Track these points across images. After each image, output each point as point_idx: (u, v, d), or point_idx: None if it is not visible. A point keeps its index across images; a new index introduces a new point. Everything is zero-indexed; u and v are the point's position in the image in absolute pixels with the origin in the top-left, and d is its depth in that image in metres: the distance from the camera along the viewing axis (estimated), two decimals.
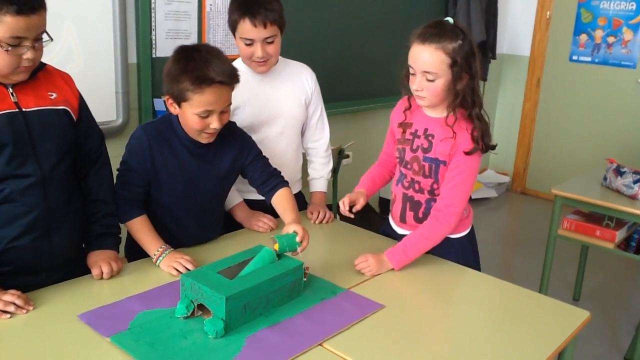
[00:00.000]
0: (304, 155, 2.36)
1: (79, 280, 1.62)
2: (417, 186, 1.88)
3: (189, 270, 1.65)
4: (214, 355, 1.30)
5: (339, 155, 3.42)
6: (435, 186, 1.85)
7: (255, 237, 1.96)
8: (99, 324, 1.39)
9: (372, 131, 4.31)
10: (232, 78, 1.70)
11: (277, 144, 2.15)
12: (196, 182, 1.82)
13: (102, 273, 1.62)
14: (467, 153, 1.76)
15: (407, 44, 1.77)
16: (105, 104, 2.61)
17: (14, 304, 1.43)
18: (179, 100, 1.69)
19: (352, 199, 1.92)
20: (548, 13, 5.07)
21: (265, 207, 1.99)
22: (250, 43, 2.00)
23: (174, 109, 1.73)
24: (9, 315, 1.41)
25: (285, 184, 1.93)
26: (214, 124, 1.70)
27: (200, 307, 1.43)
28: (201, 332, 1.37)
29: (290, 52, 2.23)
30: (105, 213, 1.73)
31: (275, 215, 1.97)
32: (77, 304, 1.48)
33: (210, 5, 2.93)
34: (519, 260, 4.04)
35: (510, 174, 5.49)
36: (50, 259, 1.60)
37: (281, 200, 1.88)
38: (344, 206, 1.90)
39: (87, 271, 1.66)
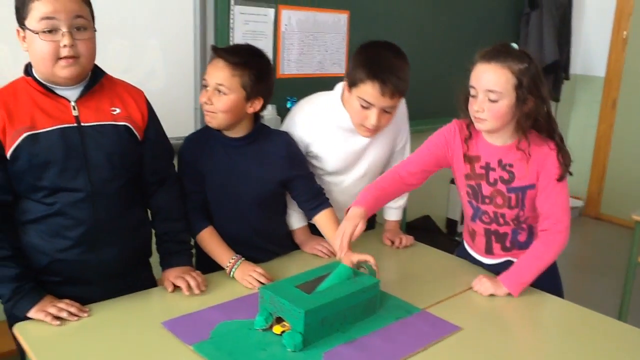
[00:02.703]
0: None
1: (160, 289, 1.68)
2: (501, 220, 1.80)
3: (262, 283, 1.68)
4: None
5: None
6: (521, 214, 1.78)
7: (312, 261, 1.95)
8: (182, 332, 1.43)
9: None
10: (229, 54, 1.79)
11: (355, 187, 2.05)
12: (236, 179, 1.84)
13: (189, 286, 1.64)
14: (559, 180, 1.70)
15: (468, 66, 1.70)
16: (184, 120, 2.71)
17: (68, 311, 1.47)
18: None
19: (355, 235, 1.64)
20: (625, 33, 4.91)
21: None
22: (367, 107, 1.86)
23: None
24: (58, 322, 1.45)
25: (329, 204, 1.96)
26: (202, 97, 1.79)
27: (278, 320, 1.45)
28: (279, 345, 1.39)
29: None
30: (178, 231, 1.76)
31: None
32: (160, 312, 1.54)
33: (286, 25, 3.01)
34: (593, 287, 3.88)
35: (584, 198, 5.29)
36: (97, 273, 1.60)
37: (327, 221, 1.94)
38: (341, 248, 1.62)
39: (144, 286, 1.68)
